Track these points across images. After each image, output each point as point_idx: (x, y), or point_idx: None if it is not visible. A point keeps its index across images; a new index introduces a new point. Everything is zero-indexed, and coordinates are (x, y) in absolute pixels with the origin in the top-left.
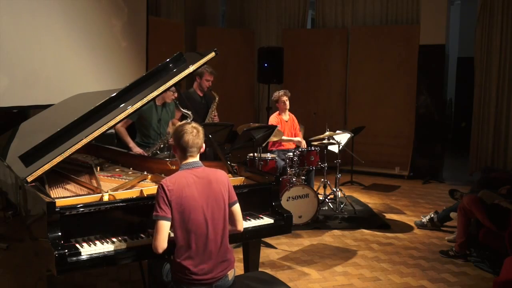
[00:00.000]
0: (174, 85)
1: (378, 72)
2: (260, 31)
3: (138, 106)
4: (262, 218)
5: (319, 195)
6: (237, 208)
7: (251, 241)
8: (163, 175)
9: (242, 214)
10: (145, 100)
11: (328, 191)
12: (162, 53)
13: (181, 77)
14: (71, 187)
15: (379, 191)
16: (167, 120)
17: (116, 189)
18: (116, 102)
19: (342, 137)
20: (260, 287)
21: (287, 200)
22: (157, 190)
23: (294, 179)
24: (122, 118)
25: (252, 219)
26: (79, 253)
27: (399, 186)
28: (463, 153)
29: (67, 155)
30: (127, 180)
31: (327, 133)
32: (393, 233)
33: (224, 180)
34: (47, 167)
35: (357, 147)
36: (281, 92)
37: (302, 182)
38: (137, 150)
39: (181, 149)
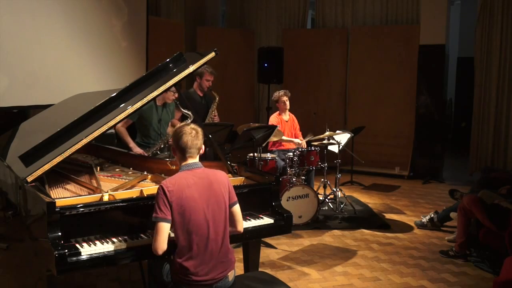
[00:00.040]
0: (174, 85)
1: (378, 72)
2: (260, 31)
3: (138, 106)
4: (262, 218)
5: (319, 195)
6: (237, 208)
7: (251, 241)
8: (163, 175)
9: (242, 214)
10: (145, 100)
11: (328, 191)
12: (162, 53)
13: (181, 77)
14: (71, 187)
15: (379, 191)
16: (167, 120)
17: (116, 189)
18: (116, 102)
19: (342, 137)
20: (260, 287)
21: (287, 200)
22: (157, 192)
23: (294, 179)
24: (122, 118)
25: (252, 219)
26: (79, 253)
27: (399, 186)
28: (463, 153)
29: (67, 155)
30: (127, 180)
31: (327, 133)
32: (393, 233)
33: (224, 181)
34: (47, 167)
35: (357, 147)
36: (281, 92)
37: (302, 182)
38: (137, 150)
39: (180, 150)
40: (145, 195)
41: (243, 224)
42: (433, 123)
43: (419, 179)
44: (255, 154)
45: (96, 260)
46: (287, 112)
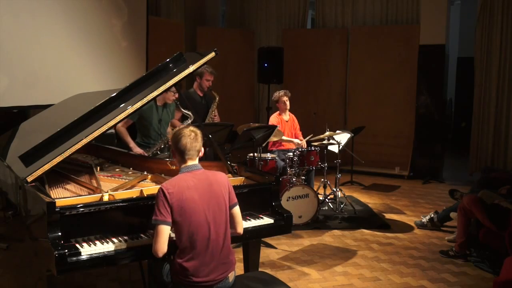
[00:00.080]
0: (175, 85)
1: (378, 72)
2: (260, 31)
3: (138, 106)
4: (262, 218)
5: (319, 195)
6: (237, 210)
7: (251, 241)
8: (163, 175)
9: (242, 214)
10: (145, 100)
11: (328, 191)
12: (162, 53)
13: (181, 77)
14: (71, 187)
15: (379, 191)
16: (167, 121)
17: (116, 189)
18: (116, 102)
19: (342, 137)
20: (260, 287)
21: (287, 200)
22: (157, 194)
23: (294, 179)
24: (122, 118)
25: (252, 219)
26: (79, 253)
27: (399, 186)
28: (463, 153)
29: (67, 155)
30: (127, 180)
31: (327, 133)
32: (393, 233)
33: (224, 182)
34: (47, 167)
35: (357, 147)
36: (282, 92)
37: (302, 182)
38: (137, 150)
39: (180, 153)
40: (145, 195)
41: (243, 226)
42: (433, 123)
43: (419, 179)
44: (255, 154)
45: (96, 260)
46: (287, 112)
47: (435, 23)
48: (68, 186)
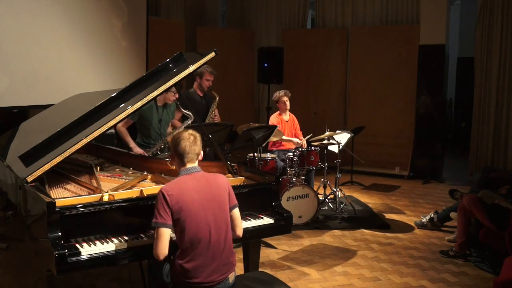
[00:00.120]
0: (175, 85)
1: (378, 72)
2: (260, 31)
3: (138, 106)
4: (262, 218)
5: (319, 195)
6: (236, 212)
7: (251, 241)
8: (163, 175)
9: (242, 214)
10: (145, 100)
11: (328, 191)
12: (162, 53)
13: (181, 77)
14: (71, 187)
15: (379, 191)
16: (168, 121)
17: (116, 189)
18: (116, 102)
19: (342, 137)
20: (260, 287)
21: (287, 200)
22: (157, 197)
23: (294, 179)
24: (122, 118)
25: (252, 219)
26: (79, 253)
27: (399, 186)
28: (463, 153)
29: (67, 155)
30: (127, 180)
31: (327, 133)
32: (393, 233)
33: (224, 184)
34: (47, 167)
35: (357, 147)
36: (282, 92)
37: (302, 182)
38: (137, 150)
39: (179, 156)
40: (145, 195)
41: (242, 229)
42: (433, 123)
43: (419, 179)
44: (255, 154)
45: (96, 260)
46: (287, 112)
47: (435, 23)
48: (68, 186)
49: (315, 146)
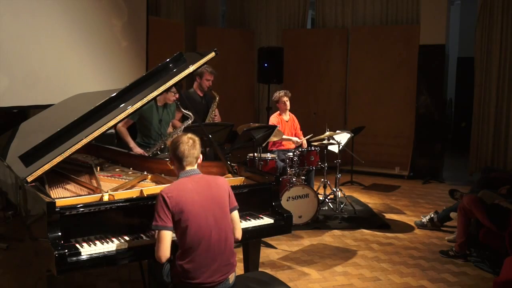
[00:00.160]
0: (175, 85)
1: (378, 72)
2: (260, 31)
3: (138, 106)
4: (262, 218)
5: (319, 195)
6: (236, 215)
7: (251, 241)
8: (163, 175)
9: (242, 214)
10: (145, 100)
11: (328, 191)
12: (162, 53)
13: (181, 77)
14: (71, 187)
15: (379, 191)
16: (168, 121)
17: (116, 189)
18: (116, 102)
19: (342, 137)
20: (260, 287)
21: (287, 200)
22: (157, 200)
23: (294, 179)
24: (122, 118)
25: (252, 219)
26: (79, 253)
27: (399, 186)
28: (463, 153)
29: (67, 155)
30: (127, 180)
31: (327, 133)
32: (393, 233)
33: (224, 186)
34: (47, 167)
35: (357, 147)
36: (282, 92)
37: (302, 182)
38: (137, 150)
39: (177, 160)
40: (145, 195)
41: (241, 231)
42: (433, 123)
43: (419, 179)
44: (255, 154)
45: (96, 260)
46: (288, 112)
47: (435, 23)
48: (68, 186)
49: (315, 146)
